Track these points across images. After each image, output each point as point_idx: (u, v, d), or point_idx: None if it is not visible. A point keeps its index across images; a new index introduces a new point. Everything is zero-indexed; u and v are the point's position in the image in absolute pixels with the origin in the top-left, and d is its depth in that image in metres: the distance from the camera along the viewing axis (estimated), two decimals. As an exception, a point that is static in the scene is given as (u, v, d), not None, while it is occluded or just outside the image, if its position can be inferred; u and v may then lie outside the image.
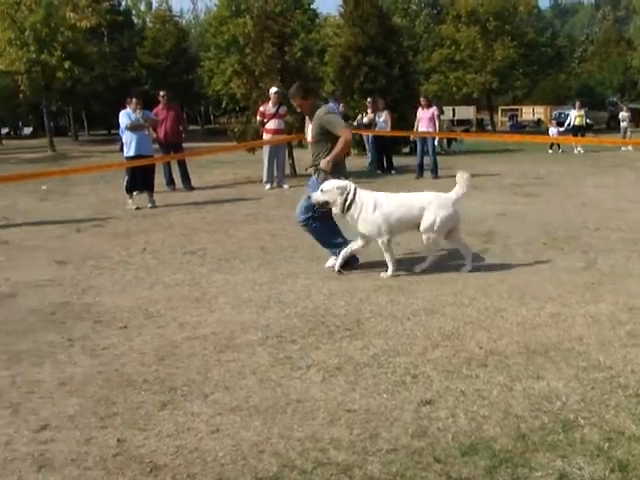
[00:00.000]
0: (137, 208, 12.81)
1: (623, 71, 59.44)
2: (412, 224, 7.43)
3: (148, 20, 59.96)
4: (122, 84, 43.00)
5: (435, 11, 55.96)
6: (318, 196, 7.36)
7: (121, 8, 52.99)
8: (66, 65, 31.73)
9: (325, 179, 7.53)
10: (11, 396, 4.59)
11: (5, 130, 61.06)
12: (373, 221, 7.29)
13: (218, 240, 9.70)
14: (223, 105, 47.39)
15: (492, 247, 8.65)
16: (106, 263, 8.50)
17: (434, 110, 17.30)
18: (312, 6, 54.53)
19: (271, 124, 15.85)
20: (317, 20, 54.51)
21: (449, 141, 25.55)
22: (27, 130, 64.54)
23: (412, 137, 18.66)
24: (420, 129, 17.23)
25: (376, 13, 24.66)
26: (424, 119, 17.20)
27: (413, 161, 18.13)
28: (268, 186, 15.50)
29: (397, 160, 19.51)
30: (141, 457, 3.72)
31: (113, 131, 44.70)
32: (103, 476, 3.56)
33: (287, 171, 16.95)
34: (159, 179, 14.64)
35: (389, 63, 24.10)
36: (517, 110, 55.84)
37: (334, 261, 7.70)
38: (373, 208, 7.29)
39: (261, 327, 5.77)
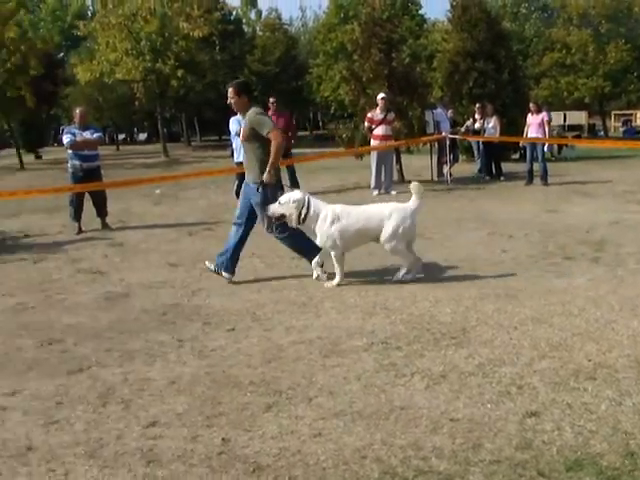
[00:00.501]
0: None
1: None
2: (371, 236, 7.52)
3: (258, 29, 61.00)
4: (233, 91, 43.85)
5: (545, 14, 54.64)
6: (275, 209, 7.48)
7: (232, 17, 54.04)
8: (179, 73, 32.61)
9: (274, 190, 7.70)
10: (123, 392, 4.77)
11: (122, 136, 63.33)
12: (329, 235, 7.38)
13: (325, 245, 9.76)
14: (332, 111, 47.70)
15: (604, 256, 8.38)
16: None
17: (544, 115, 16.92)
18: (420, 12, 54.25)
19: (379, 130, 15.86)
20: (425, 26, 54.18)
21: (559, 147, 24.92)
22: (142, 136, 66.83)
23: (521, 143, 18.31)
24: (529, 135, 16.89)
25: (484, 18, 24.29)
26: (533, 125, 16.84)
27: (523, 167, 17.79)
28: (376, 192, 15.52)
29: (506, 166, 19.16)
30: (245, 457, 3.79)
31: (224, 137, 45.61)
32: (208, 473, 3.65)
33: (395, 177, 16.93)
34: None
35: (498, 68, 23.70)
36: (631, 115, 53.86)
37: (319, 272, 7.79)
38: (331, 221, 7.38)
39: (366, 333, 5.79)
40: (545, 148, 16.99)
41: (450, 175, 17.43)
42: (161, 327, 6.29)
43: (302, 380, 4.85)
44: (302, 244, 7.88)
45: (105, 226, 12.10)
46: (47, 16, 61.01)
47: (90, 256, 9.65)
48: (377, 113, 15.94)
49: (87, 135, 12.03)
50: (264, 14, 62.72)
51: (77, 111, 12.59)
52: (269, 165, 7.60)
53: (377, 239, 7.47)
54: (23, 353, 5.77)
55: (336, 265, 7.48)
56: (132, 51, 32.45)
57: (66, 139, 12.07)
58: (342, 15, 51.35)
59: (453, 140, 18.08)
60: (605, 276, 7.43)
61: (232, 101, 7.89)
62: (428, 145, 18.64)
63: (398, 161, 17.90)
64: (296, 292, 7.28)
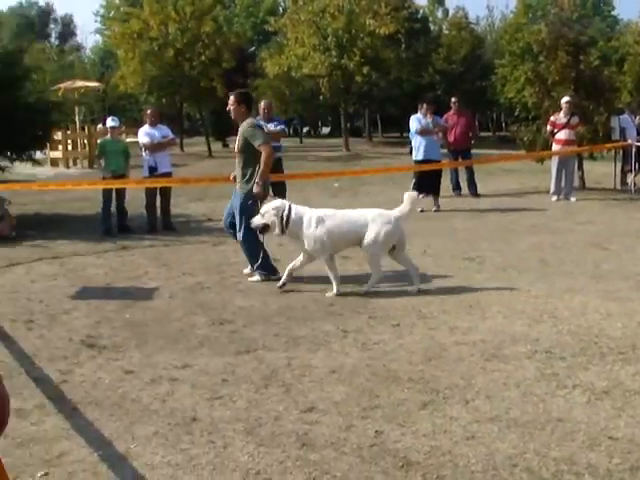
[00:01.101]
0: (422, 210, 13.04)
1: None
2: (354, 240, 7.35)
3: (444, 27, 60.52)
4: (416, 89, 43.69)
5: None
6: (258, 220, 7.44)
7: (419, 16, 53.90)
8: (364, 70, 32.95)
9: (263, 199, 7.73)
10: (285, 377, 4.96)
11: (306, 129, 64.84)
12: (316, 237, 7.24)
13: (498, 249, 9.64)
14: (515, 113, 46.63)
15: None
16: (384, 262, 8.78)
17: None
18: (612, 12, 51.91)
19: (561, 134, 15.38)
20: (617, 27, 51.80)
21: None
22: (325, 130, 68.07)
23: None
24: None
25: (687, 18, 23.09)
26: None
27: None
28: (555, 197, 15.08)
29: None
30: (395, 451, 3.86)
31: (405, 134, 45.71)
32: (358, 463, 3.74)
33: (576, 183, 16.36)
34: (445, 183, 14.81)
35: (698, 72, 22.46)
36: None
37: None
38: (315, 224, 7.23)
39: (531, 340, 5.69)
40: None
41: (635, 184, 16.65)
42: (327, 317, 6.46)
43: (460, 381, 4.85)
44: (257, 254, 7.99)
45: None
46: (241, 12, 63.38)
47: (266, 243, 9.95)
48: (560, 117, 15.47)
49: (271, 127, 12.42)
50: (451, 13, 62.21)
51: (262, 104, 13.04)
52: (258, 177, 7.68)
53: (359, 243, 7.37)
54: (196, 330, 6.12)
55: (329, 273, 7.40)
56: (319, 47, 33.11)
57: (253, 130, 12.55)
58: (530, 15, 50.08)
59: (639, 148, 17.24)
60: None
61: (231, 108, 8.12)
62: (612, 152, 17.87)
63: (580, 167, 17.27)
64: (464, 293, 7.25)
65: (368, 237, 7.30)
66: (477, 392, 4.66)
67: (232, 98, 8.17)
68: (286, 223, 7.38)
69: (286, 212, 7.39)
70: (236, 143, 8.25)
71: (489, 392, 4.66)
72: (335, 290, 7.30)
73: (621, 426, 4.14)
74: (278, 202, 7.59)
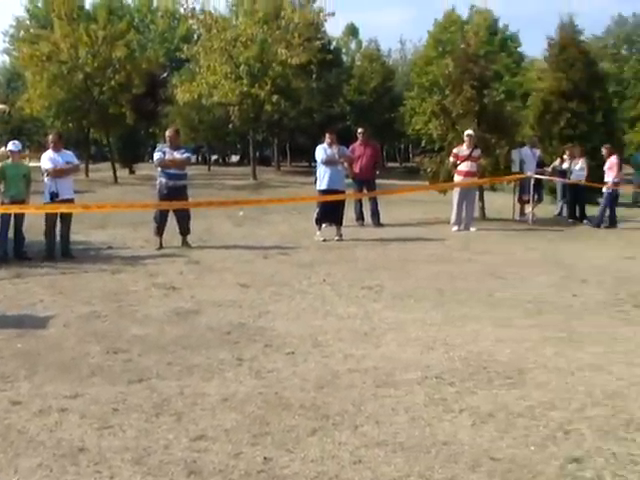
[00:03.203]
0: (324, 240, 13.18)
1: None
2: None
3: (356, 58, 61.54)
4: (327, 119, 44.22)
5: (647, 56, 53.36)
6: None
7: (332, 47, 54.65)
8: (274, 99, 33.19)
9: None
10: (177, 405, 4.94)
11: (214, 157, 64.63)
12: None
13: (397, 277, 9.81)
14: (422, 144, 47.62)
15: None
16: (286, 290, 8.86)
17: (614, 159, 16.63)
18: (518, 49, 53.76)
19: (463, 166, 15.80)
20: (523, 63, 53.68)
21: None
22: (234, 158, 68.06)
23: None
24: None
25: (582, 58, 23.94)
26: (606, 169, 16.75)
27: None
28: (456, 228, 15.45)
29: (592, 210, 18.67)
30: (283, 477, 3.89)
31: (314, 164, 46.06)
32: (244, 489, 3.76)
33: (476, 214, 16.82)
34: (349, 213, 14.99)
35: (592, 109, 23.29)
36: None
37: None
38: None
39: (422, 367, 5.82)
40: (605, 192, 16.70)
41: (533, 215, 17.23)
42: (223, 345, 6.46)
43: (351, 407, 4.92)
44: None
45: (185, 244, 12.42)
46: (156, 37, 63.09)
47: (166, 271, 9.95)
48: (463, 149, 15.90)
49: (176, 155, 12.41)
50: (364, 45, 63.36)
51: (167, 132, 13.02)
52: None
53: None
54: (89, 359, 6.03)
55: None
56: (231, 75, 33.18)
57: (156, 157, 12.52)
58: (440, 49, 51.38)
59: (539, 179, 17.86)
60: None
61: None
62: (512, 184, 18.46)
63: (481, 198, 17.77)
64: (360, 322, 7.35)
65: None
66: (367, 418, 4.74)
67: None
68: None
69: None
70: None
71: (378, 417, 4.74)
72: None
73: (503, 447, 4.28)
74: None
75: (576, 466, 4.01)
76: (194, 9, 35.16)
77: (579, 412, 4.82)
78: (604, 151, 17.16)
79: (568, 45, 24.22)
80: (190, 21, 38.95)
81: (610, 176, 16.67)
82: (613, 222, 16.55)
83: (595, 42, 50.84)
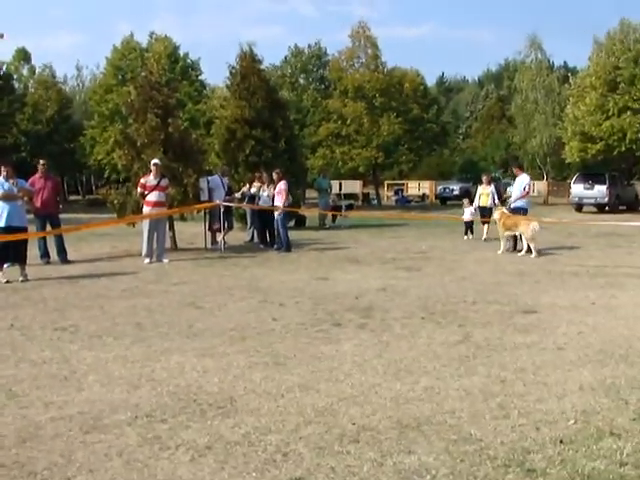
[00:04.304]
0: (7, 282, 12.27)
1: (505, 147, 62.19)
2: None
3: (30, 85, 58.89)
4: (0, 151, 41.83)
5: (323, 86, 56.91)
6: None
7: (1, 73, 51.70)
8: None
9: None
10: None
11: None
12: None
13: (91, 316, 9.36)
14: (105, 175, 46.69)
15: (370, 322, 8.69)
16: None
17: (282, 185, 17.45)
18: (200, 77, 54.84)
19: (152, 196, 15.61)
20: (205, 91, 54.83)
21: (334, 216, 25.78)
22: None
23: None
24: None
25: (263, 87, 24.82)
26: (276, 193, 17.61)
27: (299, 235, 18.23)
28: (147, 260, 15.17)
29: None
30: None
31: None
32: None
33: (167, 244, 16.70)
34: (33, 251, 14.11)
35: (275, 136, 24.22)
36: (403, 185, 57.18)
37: None
38: None
39: (131, 406, 5.59)
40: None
41: (225, 243, 17.52)
42: None
43: (60, 459, 4.58)
44: None
45: None
46: None
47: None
48: (150, 179, 15.71)
49: None
50: (38, 70, 60.74)
51: None
52: None
53: None
54: None
55: None
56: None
57: None
58: (120, 77, 50.83)
59: (228, 207, 18.21)
60: (371, 341, 7.70)
61: None
62: (202, 212, 18.59)
63: (171, 228, 17.71)
64: (57, 366, 6.89)
65: None
66: (78, 468, 4.44)
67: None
68: None
69: None
70: None
71: (91, 466, 4.46)
72: None
73: (225, 478, 4.24)
74: None
75: (298, 486, 4.05)
76: None
77: (294, 432, 4.91)
78: (275, 176, 17.85)
79: (249, 74, 24.99)
80: None
81: (279, 200, 17.37)
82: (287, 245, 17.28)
83: (274, 71, 53.41)
